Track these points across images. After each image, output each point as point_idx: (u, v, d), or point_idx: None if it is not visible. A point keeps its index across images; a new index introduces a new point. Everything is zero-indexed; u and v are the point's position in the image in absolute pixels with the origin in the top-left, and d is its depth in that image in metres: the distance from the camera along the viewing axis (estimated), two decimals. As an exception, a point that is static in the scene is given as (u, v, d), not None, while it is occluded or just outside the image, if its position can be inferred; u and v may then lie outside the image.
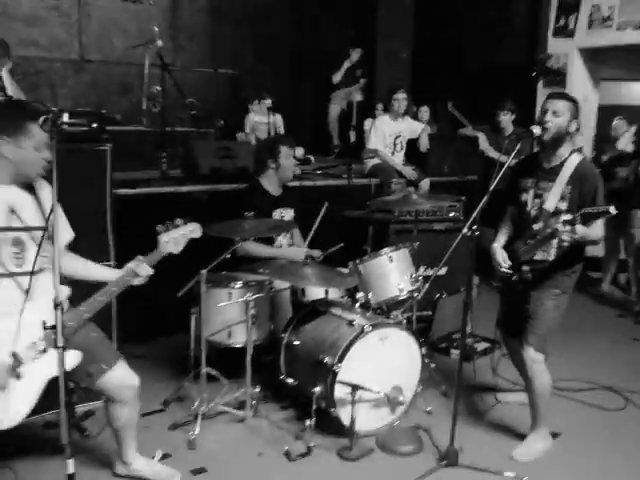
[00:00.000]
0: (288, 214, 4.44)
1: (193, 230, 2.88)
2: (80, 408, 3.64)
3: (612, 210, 2.92)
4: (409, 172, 6.29)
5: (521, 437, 3.57)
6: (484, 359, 4.59)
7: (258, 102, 7.49)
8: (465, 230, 3.10)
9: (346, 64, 8.60)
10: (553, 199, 3.28)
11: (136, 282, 2.80)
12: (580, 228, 3.00)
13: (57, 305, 2.01)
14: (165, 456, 3.28)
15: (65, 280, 2.72)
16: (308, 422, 3.41)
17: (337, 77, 8.63)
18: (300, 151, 7.24)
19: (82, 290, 2.79)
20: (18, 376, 2.49)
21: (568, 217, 3.03)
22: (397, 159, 6.41)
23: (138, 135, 6.30)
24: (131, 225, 4.01)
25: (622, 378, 4.42)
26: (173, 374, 4.20)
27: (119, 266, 3.02)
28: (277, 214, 4.40)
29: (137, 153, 5.76)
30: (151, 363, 4.26)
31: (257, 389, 3.69)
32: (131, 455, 3.09)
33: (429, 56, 8.71)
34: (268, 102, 7.25)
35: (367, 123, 8.08)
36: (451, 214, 5.36)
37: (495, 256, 3.44)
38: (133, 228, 3.91)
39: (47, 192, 2.71)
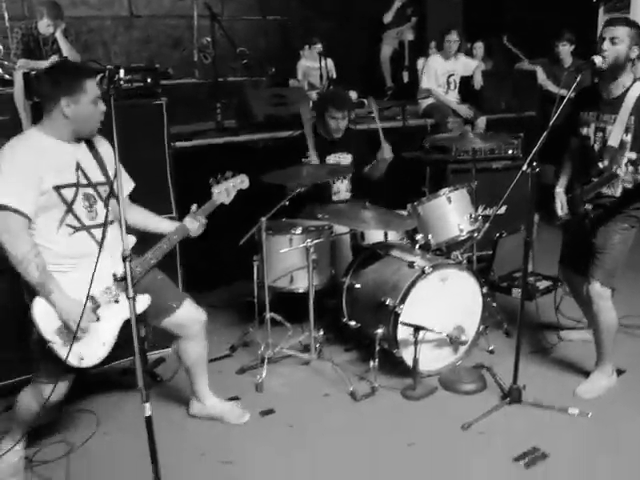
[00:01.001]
0: (345, 159, 4.42)
1: (242, 181, 3.08)
2: (151, 356, 3.80)
3: None
4: (464, 110, 6.16)
5: (585, 374, 3.56)
6: (546, 297, 4.52)
7: (309, 47, 7.43)
8: (525, 167, 3.04)
9: (397, 3, 8.37)
10: (617, 133, 3.15)
11: (192, 233, 2.93)
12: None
13: (125, 258, 2.10)
14: (234, 398, 3.41)
15: (132, 230, 2.88)
16: (372, 363, 3.47)
17: (388, 17, 8.42)
18: (354, 95, 7.16)
19: (147, 240, 2.91)
20: (97, 318, 2.66)
21: (633, 156, 2.91)
22: (451, 97, 6.29)
23: (191, 87, 6.33)
24: (189, 176, 4.07)
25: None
26: (238, 320, 4.33)
27: (180, 217, 3.12)
28: (332, 158, 4.39)
29: (191, 105, 5.77)
30: (216, 311, 4.34)
31: (321, 332, 3.76)
32: (204, 393, 3.24)
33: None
34: (319, 47, 7.19)
35: (420, 62, 7.90)
36: (509, 152, 5.25)
37: (555, 202, 3.39)
38: (191, 179, 3.98)
39: (106, 147, 2.83)
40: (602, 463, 2.89)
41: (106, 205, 2.68)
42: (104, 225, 2.61)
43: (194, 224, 2.93)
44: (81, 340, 2.58)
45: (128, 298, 2.09)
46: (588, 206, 3.31)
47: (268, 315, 3.71)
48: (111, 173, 2.77)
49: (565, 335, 4.05)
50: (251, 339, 4.01)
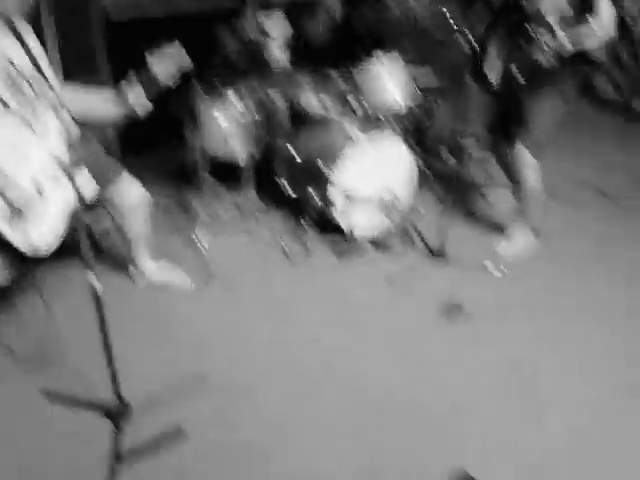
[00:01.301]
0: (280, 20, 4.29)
1: (179, 54, 2.83)
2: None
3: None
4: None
5: (506, 234, 3.80)
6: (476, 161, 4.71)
7: None
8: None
9: None
10: None
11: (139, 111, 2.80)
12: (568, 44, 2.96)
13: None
14: (174, 265, 3.50)
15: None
16: (306, 226, 3.64)
17: None
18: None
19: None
20: (40, 192, 2.60)
21: (559, 32, 2.97)
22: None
23: None
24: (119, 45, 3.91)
25: (609, 179, 4.59)
26: (174, 184, 4.37)
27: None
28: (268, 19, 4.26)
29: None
30: (151, 174, 4.31)
31: (257, 197, 3.85)
32: (144, 261, 3.36)
33: None
34: None
35: None
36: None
37: (487, 66, 3.44)
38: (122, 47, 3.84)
39: (29, 33, 2.67)
40: (518, 317, 3.19)
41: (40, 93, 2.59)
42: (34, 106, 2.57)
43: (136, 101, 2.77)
44: (29, 224, 2.57)
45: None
46: (517, 72, 3.35)
47: (206, 180, 3.76)
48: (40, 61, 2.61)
49: (491, 196, 4.27)
50: (187, 203, 4.08)
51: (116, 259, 3.54)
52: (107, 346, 2.27)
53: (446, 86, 4.67)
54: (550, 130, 3.44)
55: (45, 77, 2.59)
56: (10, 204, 2.51)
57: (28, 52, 2.57)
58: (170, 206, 4.10)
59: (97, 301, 2.25)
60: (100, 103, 2.91)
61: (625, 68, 6.22)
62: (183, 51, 2.88)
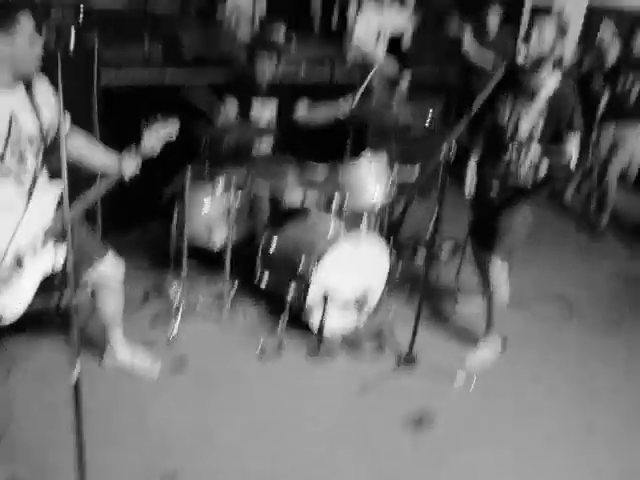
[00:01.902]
0: (270, 103, 4.40)
1: (173, 125, 3.00)
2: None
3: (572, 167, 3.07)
4: (390, 66, 6.24)
5: (475, 342, 3.89)
6: (448, 261, 4.84)
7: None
8: (444, 150, 3.21)
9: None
10: (529, 121, 3.34)
11: (126, 174, 2.88)
12: (544, 166, 3.11)
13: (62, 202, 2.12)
14: (145, 349, 3.49)
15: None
16: (281, 322, 3.67)
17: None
18: (281, 28, 7.03)
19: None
20: (20, 267, 2.61)
21: (537, 149, 3.13)
22: (379, 51, 6.35)
23: (117, 13, 6.03)
24: (112, 116, 4.00)
25: (572, 290, 4.76)
26: (153, 265, 4.37)
27: None
28: (258, 103, 4.40)
29: (116, 31, 5.54)
30: (131, 252, 4.29)
31: (235, 287, 3.89)
32: (116, 344, 3.35)
33: None
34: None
35: (352, 7, 7.85)
36: (427, 118, 5.40)
37: (466, 176, 3.61)
38: (115, 119, 3.93)
39: (45, 89, 2.73)
40: (484, 426, 3.26)
41: (40, 158, 2.67)
42: (34, 177, 2.61)
43: (127, 167, 2.88)
44: (1, 294, 2.57)
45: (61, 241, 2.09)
46: (495, 182, 3.53)
47: (185, 266, 3.79)
48: (45, 120, 2.69)
49: (460, 303, 4.37)
50: (164, 286, 4.08)
51: (86, 339, 3.50)
52: (80, 446, 2.23)
53: (426, 187, 4.85)
54: (520, 242, 3.60)
55: (45, 137, 2.67)
56: None
57: (36, 111, 2.64)
58: (146, 288, 4.09)
59: (76, 390, 2.22)
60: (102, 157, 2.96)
61: (591, 191, 6.56)
62: (176, 124, 2.99)
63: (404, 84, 6.23)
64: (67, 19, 3.50)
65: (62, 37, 2.24)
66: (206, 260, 4.07)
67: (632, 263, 5.52)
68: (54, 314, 3.39)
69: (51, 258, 2.68)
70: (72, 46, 2.24)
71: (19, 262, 2.62)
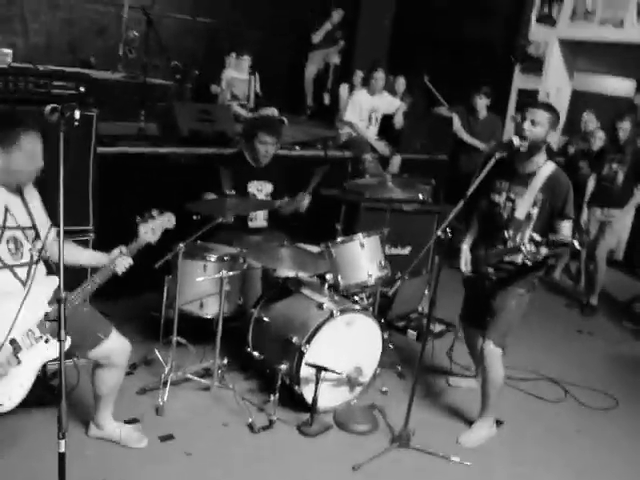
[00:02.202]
0: (265, 188, 4.51)
1: (169, 220, 3.09)
2: (50, 366, 3.71)
3: (576, 245, 3.06)
4: (381, 147, 6.39)
5: (469, 422, 3.82)
6: (439, 341, 4.80)
7: (236, 57, 7.43)
8: (439, 233, 3.24)
9: (327, 25, 8.53)
10: (525, 206, 3.40)
11: (119, 270, 2.92)
12: (544, 250, 3.11)
13: (60, 300, 2.11)
14: (133, 421, 3.42)
15: (56, 269, 2.84)
16: (272, 397, 3.58)
17: (317, 37, 8.57)
18: (274, 111, 7.25)
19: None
20: (18, 362, 2.65)
21: (536, 237, 3.12)
22: (371, 133, 6.49)
23: (114, 83, 6.20)
24: (107, 184, 4.02)
25: (563, 370, 4.71)
26: (141, 336, 4.29)
27: (97, 229, 3.29)
28: (253, 186, 4.47)
29: (112, 102, 5.66)
30: (119, 323, 4.27)
31: (225, 361, 3.82)
32: (105, 418, 3.24)
33: (410, 26, 8.69)
34: (247, 59, 7.21)
35: (343, 88, 8.10)
36: (420, 196, 5.49)
37: (460, 259, 3.61)
38: (109, 187, 3.95)
39: (34, 195, 2.86)
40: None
41: (34, 249, 2.76)
42: (29, 266, 2.69)
43: (121, 264, 2.92)
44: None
45: (59, 341, 2.11)
46: (490, 269, 3.55)
47: (175, 339, 3.74)
48: (36, 217, 2.81)
49: (454, 382, 4.32)
50: (153, 357, 4.00)
51: (72, 409, 3.39)
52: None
53: (417, 265, 4.86)
54: (514, 326, 3.59)
55: (38, 234, 2.75)
56: None
57: (28, 212, 2.73)
58: (133, 358, 3.99)
59: (61, 462, 2.16)
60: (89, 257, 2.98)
61: (579, 271, 6.65)
62: (172, 217, 3.03)
63: (396, 163, 6.35)
64: (68, 90, 3.54)
65: (65, 115, 2.34)
66: (196, 331, 4.00)
67: (624, 344, 5.51)
68: (41, 386, 3.34)
69: (48, 349, 2.72)
70: (76, 123, 2.35)
71: (17, 358, 2.64)
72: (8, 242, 2.67)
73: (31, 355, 2.69)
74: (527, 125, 3.33)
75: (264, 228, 4.56)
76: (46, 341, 2.69)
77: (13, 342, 2.60)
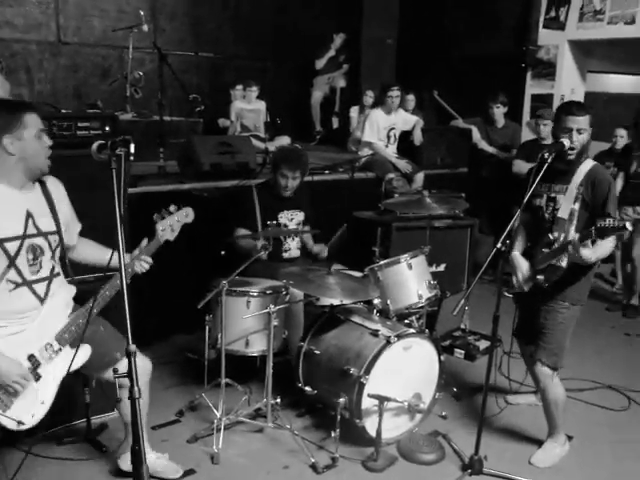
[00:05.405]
0: (297, 217, 4.38)
1: (187, 215, 2.94)
2: (94, 420, 3.54)
3: (628, 226, 2.89)
4: (403, 165, 6.25)
5: (536, 439, 3.64)
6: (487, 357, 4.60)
7: (243, 89, 7.38)
8: (499, 245, 3.09)
9: (330, 52, 8.49)
10: (567, 203, 3.26)
11: (138, 270, 2.81)
12: (586, 252, 3.02)
13: (130, 354, 1.97)
14: (190, 472, 3.23)
15: (72, 280, 2.84)
16: (333, 433, 3.38)
17: (320, 63, 8.52)
18: (287, 140, 7.17)
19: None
20: (38, 378, 2.56)
21: (585, 231, 3.01)
22: (390, 151, 6.37)
23: (126, 124, 6.09)
24: (132, 221, 3.89)
25: (621, 376, 4.53)
26: (182, 380, 4.14)
27: None
28: (284, 216, 4.33)
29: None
30: (156, 368, 4.13)
31: (278, 399, 3.63)
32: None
33: (415, 43, 8.60)
34: (254, 89, 7.19)
35: (353, 111, 8.02)
36: (456, 211, 5.36)
37: (516, 267, 3.42)
38: (134, 224, 3.82)
39: (58, 188, 2.78)
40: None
41: (56, 258, 2.70)
42: (49, 280, 2.62)
43: (139, 265, 2.81)
44: (19, 401, 2.50)
45: (132, 399, 1.97)
46: (540, 277, 3.37)
47: (223, 381, 3.55)
48: (61, 217, 2.71)
49: (513, 400, 4.12)
50: (198, 402, 3.82)
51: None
52: None
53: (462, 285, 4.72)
54: (564, 340, 3.41)
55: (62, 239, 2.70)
56: (8, 392, 2.49)
57: (52, 210, 2.67)
58: (179, 406, 3.83)
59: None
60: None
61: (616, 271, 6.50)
62: (190, 211, 2.94)
63: (419, 179, 6.21)
64: (94, 130, 3.43)
65: (116, 151, 2.26)
66: (237, 367, 3.81)
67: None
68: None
69: (67, 361, 2.58)
70: (132, 157, 2.26)
71: (35, 370, 2.56)
72: (27, 252, 2.56)
73: (50, 370, 2.59)
74: (575, 136, 3.20)
75: (297, 257, 4.42)
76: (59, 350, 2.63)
77: (31, 358, 2.53)
